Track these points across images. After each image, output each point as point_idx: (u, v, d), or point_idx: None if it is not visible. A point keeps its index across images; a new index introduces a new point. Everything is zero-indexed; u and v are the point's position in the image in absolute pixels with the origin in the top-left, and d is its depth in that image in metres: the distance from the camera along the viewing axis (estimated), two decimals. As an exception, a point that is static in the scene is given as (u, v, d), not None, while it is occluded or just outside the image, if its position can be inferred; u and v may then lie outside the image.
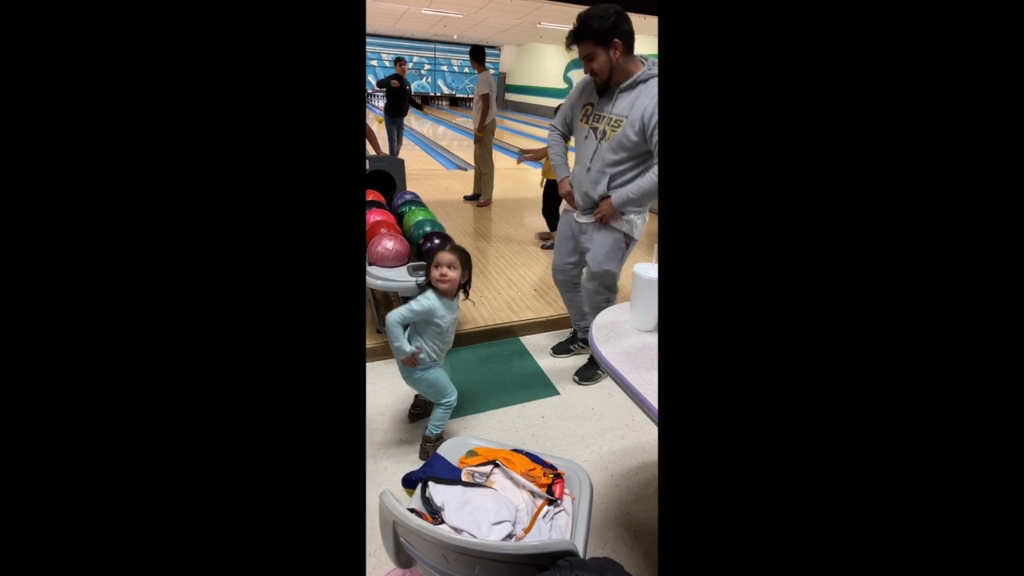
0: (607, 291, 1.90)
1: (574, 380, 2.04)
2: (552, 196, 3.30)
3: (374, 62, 15.02)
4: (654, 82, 1.58)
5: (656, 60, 1.64)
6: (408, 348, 1.44)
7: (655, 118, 1.55)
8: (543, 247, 3.41)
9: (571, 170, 1.88)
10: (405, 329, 1.45)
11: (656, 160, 1.60)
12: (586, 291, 1.96)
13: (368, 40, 14.88)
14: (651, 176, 1.63)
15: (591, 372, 2.06)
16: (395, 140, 5.44)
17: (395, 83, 5.22)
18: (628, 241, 1.81)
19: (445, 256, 1.45)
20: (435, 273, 1.45)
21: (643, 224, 1.81)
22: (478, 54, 4.16)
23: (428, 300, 1.43)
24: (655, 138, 1.57)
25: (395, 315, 1.40)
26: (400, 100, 5.37)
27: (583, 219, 1.85)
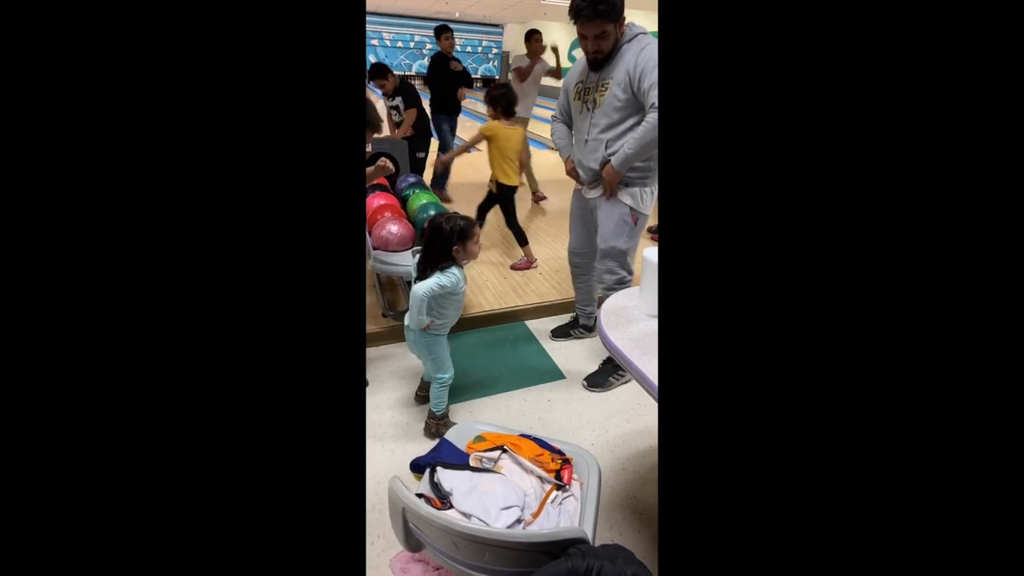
0: (620, 270, 1.82)
1: (583, 386, 1.91)
2: (507, 202, 2.67)
3: (375, 41, 14.77)
4: (638, 39, 1.56)
5: (633, 23, 1.61)
6: (426, 320, 1.48)
7: (639, 67, 1.51)
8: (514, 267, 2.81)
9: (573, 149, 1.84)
10: None
11: (648, 105, 1.53)
12: (597, 272, 1.89)
13: (368, 19, 14.62)
14: (644, 125, 1.55)
15: (602, 380, 1.90)
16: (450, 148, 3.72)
17: (456, 65, 3.54)
18: (636, 216, 1.74)
19: (478, 228, 1.49)
20: (475, 248, 1.48)
21: (652, 199, 1.74)
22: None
23: (455, 275, 1.45)
24: (643, 85, 1.52)
25: (424, 288, 1.41)
26: (452, 91, 3.60)
27: (591, 194, 1.81)
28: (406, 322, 1.53)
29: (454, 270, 1.45)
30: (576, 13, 1.51)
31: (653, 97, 1.51)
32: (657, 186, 1.75)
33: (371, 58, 15.02)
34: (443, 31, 3.55)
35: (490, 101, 2.52)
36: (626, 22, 1.58)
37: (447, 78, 3.59)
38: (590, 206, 1.85)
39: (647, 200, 1.74)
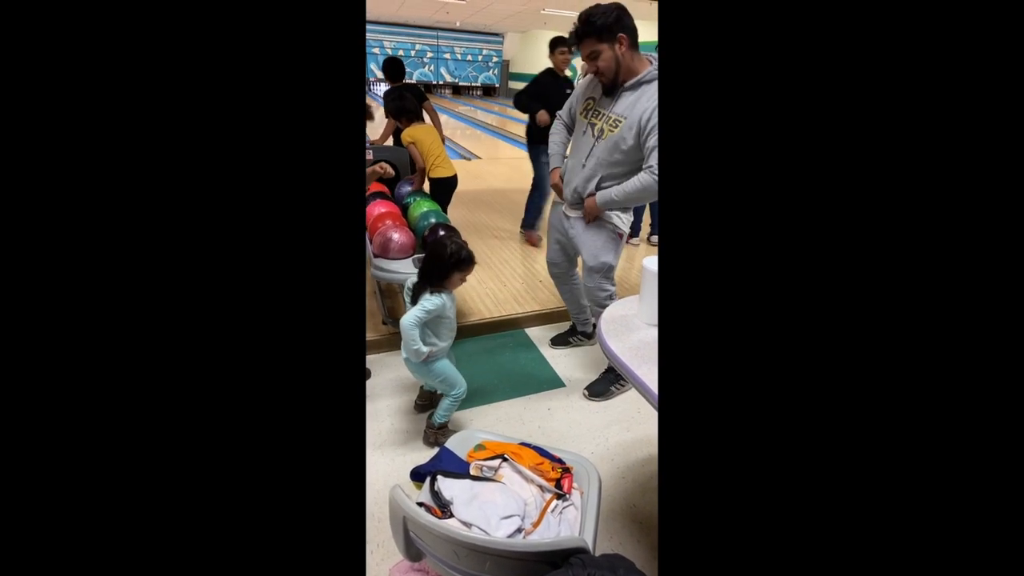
0: (610, 286, 1.86)
1: (583, 395, 1.92)
2: (439, 196, 2.61)
3: (375, 50, 14.88)
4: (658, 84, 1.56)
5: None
6: (424, 350, 1.46)
7: (652, 121, 1.51)
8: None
9: (565, 163, 1.84)
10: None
11: (647, 165, 1.56)
12: (587, 289, 1.92)
13: (369, 28, 14.73)
14: (638, 180, 1.57)
15: (603, 389, 1.92)
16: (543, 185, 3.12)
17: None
18: (620, 232, 1.79)
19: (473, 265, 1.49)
20: (459, 282, 1.47)
21: (629, 219, 1.79)
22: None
23: (439, 298, 1.43)
24: (649, 142, 1.53)
25: (410, 319, 1.40)
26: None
27: (572, 213, 1.82)
28: (403, 355, 1.52)
29: (439, 294, 1.44)
30: (568, 42, 1.60)
31: (652, 160, 1.53)
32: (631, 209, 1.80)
33: (372, 67, 15.13)
34: (557, 44, 2.90)
35: (394, 116, 2.59)
36: (654, 61, 1.57)
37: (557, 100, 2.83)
38: (569, 223, 1.85)
39: (626, 220, 1.79)
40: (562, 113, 1.87)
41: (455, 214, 3.68)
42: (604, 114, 1.63)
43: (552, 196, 1.96)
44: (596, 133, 1.66)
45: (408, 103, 2.55)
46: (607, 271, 1.83)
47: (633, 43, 1.54)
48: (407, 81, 3.37)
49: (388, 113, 2.63)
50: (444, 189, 2.65)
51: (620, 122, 1.58)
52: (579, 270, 2.05)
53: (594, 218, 1.74)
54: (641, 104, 1.54)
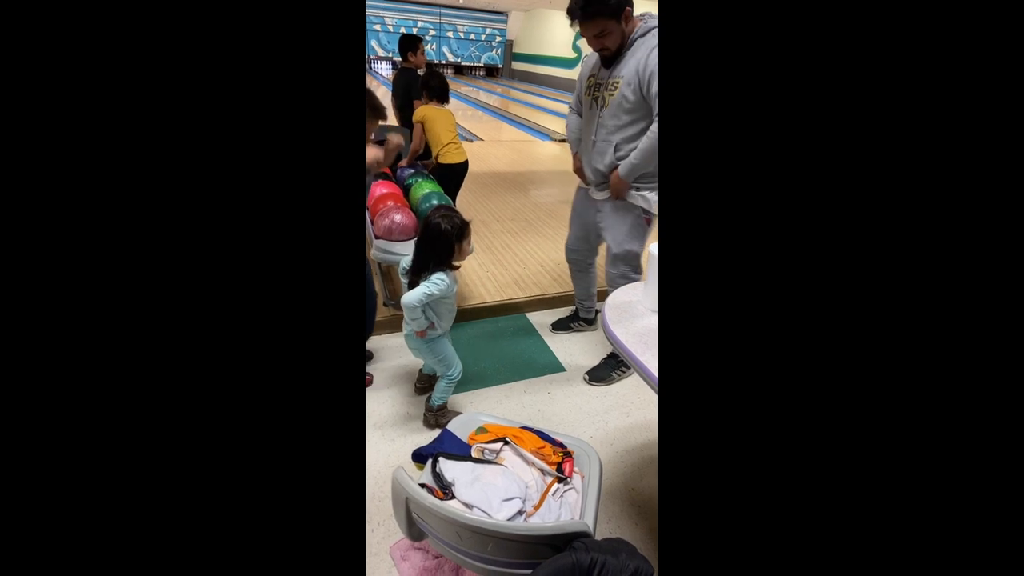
0: (634, 274, 1.79)
1: (584, 379, 1.92)
2: (453, 182, 2.65)
3: (377, 27, 14.61)
4: (652, 34, 1.50)
5: (651, 14, 1.55)
6: (425, 322, 1.47)
7: (649, 69, 1.46)
8: None
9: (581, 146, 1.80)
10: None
11: (655, 117, 1.50)
12: (609, 277, 1.82)
13: (370, 3, 14.43)
14: (649, 135, 1.52)
15: (604, 374, 1.92)
16: None
17: None
18: (648, 218, 1.71)
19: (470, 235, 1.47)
20: (468, 248, 1.45)
21: (656, 198, 1.71)
22: None
23: (443, 281, 1.41)
24: (652, 89, 1.47)
25: (413, 298, 1.38)
26: None
27: (598, 195, 1.77)
28: (405, 331, 1.53)
29: (442, 275, 1.42)
30: (570, 15, 1.50)
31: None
32: None
33: (373, 43, 14.85)
34: None
35: (425, 88, 2.54)
36: (638, 14, 1.53)
37: None
38: (595, 207, 1.81)
39: (653, 200, 1.70)
40: (572, 105, 1.85)
41: (457, 195, 3.66)
42: (604, 83, 1.60)
43: (578, 182, 1.92)
44: (600, 104, 1.63)
45: (435, 80, 2.50)
46: (632, 259, 1.74)
47: (631, 11, 1.50)
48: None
49: (421, 86, 2.58)
50: (450, 175, 2.60)
51: (618, 82, 1.55)
52: (600, 259, 2.01)
53: (622, 194, 1.67)
54: (635, 58, 1.50)
